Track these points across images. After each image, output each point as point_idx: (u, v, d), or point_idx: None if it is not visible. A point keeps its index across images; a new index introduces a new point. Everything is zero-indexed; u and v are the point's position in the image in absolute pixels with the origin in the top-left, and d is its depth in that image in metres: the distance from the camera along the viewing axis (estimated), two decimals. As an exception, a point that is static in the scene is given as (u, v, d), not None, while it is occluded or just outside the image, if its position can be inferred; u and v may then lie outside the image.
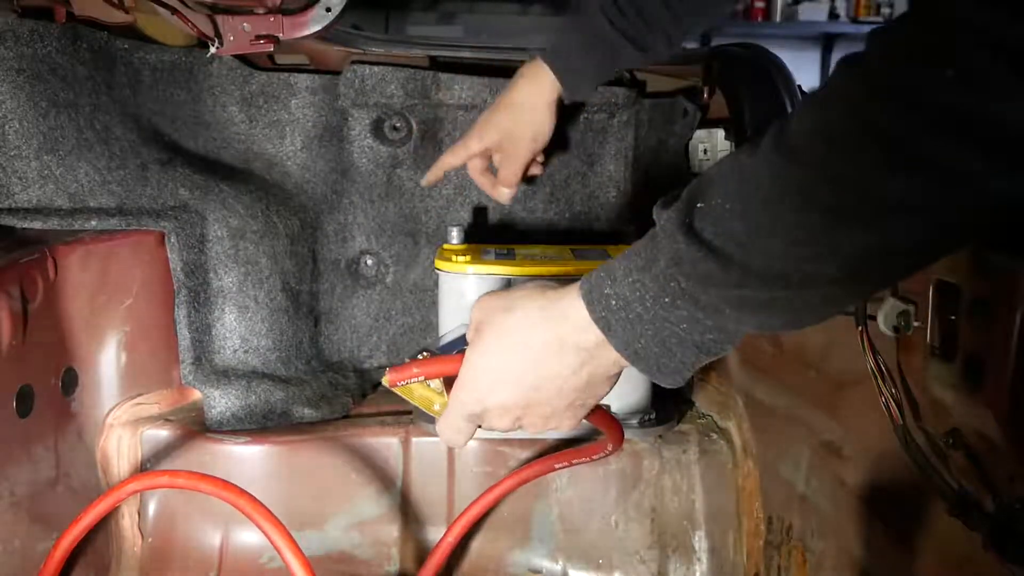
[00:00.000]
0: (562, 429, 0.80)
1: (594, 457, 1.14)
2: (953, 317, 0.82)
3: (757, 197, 0.59)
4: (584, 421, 0.82)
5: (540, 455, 1.35)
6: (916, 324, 0.88)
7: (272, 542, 1.03)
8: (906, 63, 0.51)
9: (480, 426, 0.82)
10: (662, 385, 0.71)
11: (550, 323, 0.73)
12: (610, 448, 1.07)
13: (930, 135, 0.51)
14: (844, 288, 0.61)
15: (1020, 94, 0.48)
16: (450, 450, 1.39)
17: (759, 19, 4.84)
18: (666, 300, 0.65)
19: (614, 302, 0.68)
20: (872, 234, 0.56)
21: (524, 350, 0.74)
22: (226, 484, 1.06)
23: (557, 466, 1.22)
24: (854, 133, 0.54)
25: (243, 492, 1.05)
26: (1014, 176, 0.52)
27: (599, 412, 0.86)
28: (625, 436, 1.34)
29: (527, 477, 1.27)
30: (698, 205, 0.62)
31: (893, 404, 0.89)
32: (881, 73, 0.53)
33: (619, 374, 0.75)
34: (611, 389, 0.77)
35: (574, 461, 1.19)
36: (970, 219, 0.56)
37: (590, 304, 0.70)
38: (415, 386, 0.85)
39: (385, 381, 0.83)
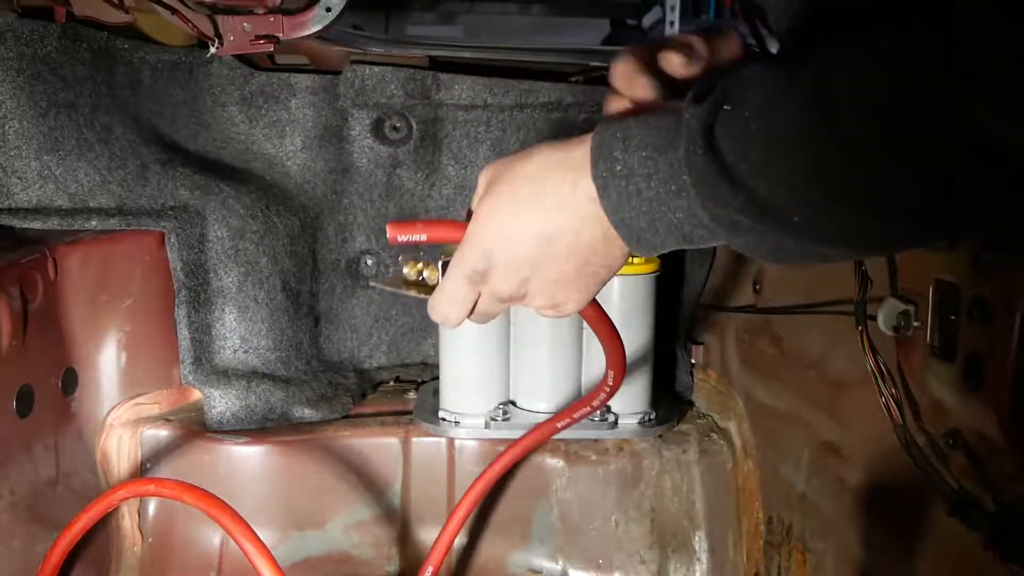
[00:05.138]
0: (568, 308, 0.74)
1: (595, 404, 1.08)
2: (953, 317, 0.82)
3: (783, 132, 0.57)
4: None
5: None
6: (916, 324, 0.88)
7: (251, 560, 1.00)
8: (953, 83, 0.49)
9: (474, 314, 0.75)
10: (633, 252, 0.69)
11: (566, 167, 0.69)
12: (611, 382, 0.96)
13: (964, 160, 0.51)
14: (835, 248, 0.62)
15: None
16: (450, 451, 1.39)
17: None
18: (672, 187, 0.63)
19: (619, 167, 0.65)
20: (879, 218, 0.56)
21: (536, 196, 0.69)
22: (209, 497, 1.04)
23: (560, 425, 1.18)
24: (892, 130, 0.53)
25: (225, 506, 1.03)
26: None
27: (600, 314, 0.81)
28: (625, 436, 1.36)
29: (537, 440, 1.24)
30: (725, 107, 0.59)
31: (893, 404, 0.89)
32: (929, 86, 0.50)
33: (627, 248, 0.70)
34: (623, 263, 0.72)
35: (576, 416, 1.14)
36: (971, 226, 0.57)
37: (595, 158, 0.67)
38: (410, 280, 0.78)
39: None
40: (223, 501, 1.04)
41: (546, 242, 0.70)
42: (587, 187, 0.67)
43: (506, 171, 0.72)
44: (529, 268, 0.72)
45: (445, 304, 0.76)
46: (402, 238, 0.76)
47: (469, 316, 0.77)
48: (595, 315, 0.83)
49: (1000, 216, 0.55)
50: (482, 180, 0.74)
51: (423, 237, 0.76)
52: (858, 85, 0.54)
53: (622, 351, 0.89)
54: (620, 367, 0.92)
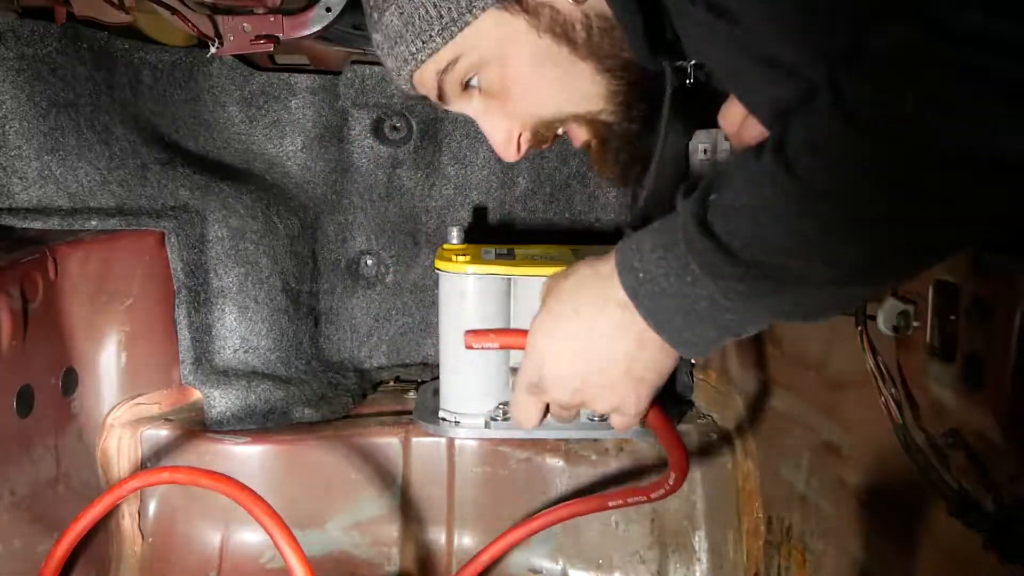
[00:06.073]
0: (627, 411, 0.79)
1: (652, 496, 1.10)
2: (953, 317, 0.82)
3: (760, 199, 0.63)
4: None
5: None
6: (916, 324, 0.88)
7: (271, 536, 1.03)
8: (899, 107, 0.54)
9: (548, 412, 0.83)
10: (686, 356, 0.74)
11: (597, 282, 0.75)
12: (672, 482, 1.01)
13: (916, 165, 0.55)
14: (841, 290, 0.65)
15: (1013, 128, 0.52)
16: (450, 450, 1.39)
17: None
18: (688, 279, 0.68)
19: (641, 275, 0.71)
20: (860, 246, 0.60)
21: (575, 312, 0.76)
22: (225, 479, 1.07)
23: (611, 504, 1.19)
24: (849, 167, 0.58)
25: (242, 486, 1.05)
26: (1001, 200, 0.56)
27: (664, 422, 0.86)
28: (625, 436, 1.36)
29: (576, 512, 1.24)
30: (711, 196, 0.66)
31: (893, 404, 0.89)
32: (874, 116, 0.56)
33: (674, 353, 0.75)
34: (671, 368, 0.77)
35: (630, 500, 1.15)
36: (956, 235, 0.60)
37: (621, 273, 0.73)
38: None
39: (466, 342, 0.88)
40: (240, 482, 1.06)
41: (589, 353, 0.76)
42: (616, 297, 0.74)
43: (553, 288, 0.80)
44: (578, 378, 0.78)
45: (516, 413, 0.85)
46: (477, 345, 0.89)
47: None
48: (660, 425, 0.88)
49: (984, 219, 0.58)
50: (541, 293, 0.83)
51: (495, 345, 0.88)
52: (807, 133, 0.60)
53: (685, 457, 0.95)
54: (682, 471, 0.98)
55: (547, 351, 0.78)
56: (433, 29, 0.87)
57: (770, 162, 0.62)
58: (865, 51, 0.56)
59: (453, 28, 0.87)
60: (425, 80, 0.92)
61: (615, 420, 0.82)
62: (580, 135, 0.94)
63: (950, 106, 0.52)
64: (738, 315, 0.69)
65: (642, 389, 0.78)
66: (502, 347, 0.87)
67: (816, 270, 0.63)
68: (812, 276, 0.63)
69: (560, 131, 0.95)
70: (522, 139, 0.94)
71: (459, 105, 0.94)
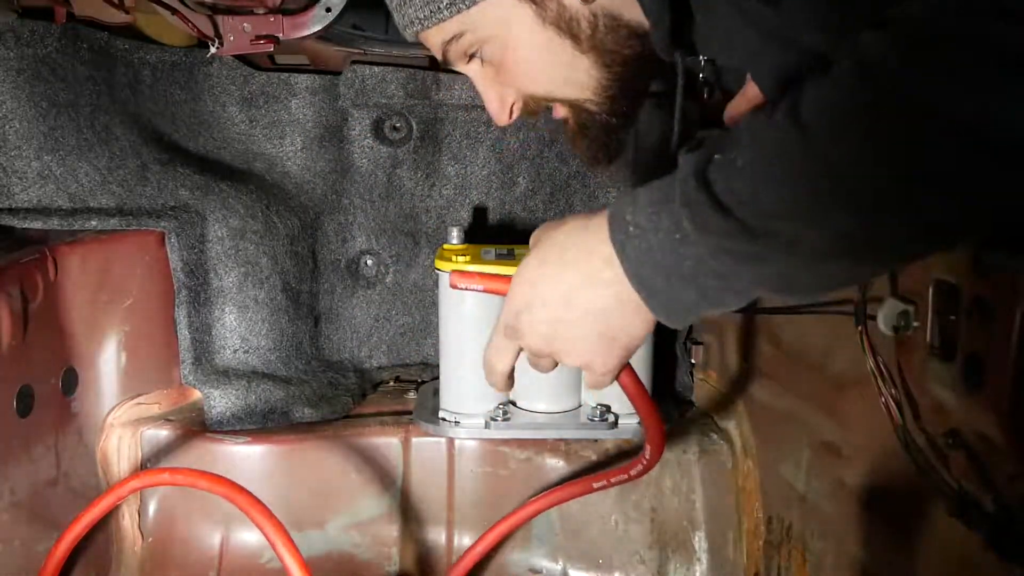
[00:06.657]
0: (596, 369, 0.79)
1: (632, 473, 1.11)
2: (953, 317, 0.82)
3: (763, 159, 0.63)
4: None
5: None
6: (916, 324, 0.88)
7: (268, 539, 1.03)
8: (912, 74, 0.55)
9: (524, 362, 0.83)
10: (664, 322, 0.73)
11: (585, 234, 0.75)
12: (648, 457, 1.02)
13: (931, 142, 0.55)
14: (831, 263, 0.64)
15: (1020, 101, 0.52)
16: (450, 450, 1.39)
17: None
18: (677, 236, 0.68)
19: (631, 228, 0.71)
20: (857, 221, 0.60)
21: (560, 261, 0.76)
22: (225, 481, 1.07)
23: (595, 485, 1.20)
24: (856, 131, 0.58)
25: (241, 489, 1.05)
26: (1004, 181, 0.55)
27: (637, 387, 0.85)
28: (625, 437, 1.36)
29: (563, 497, 1.25)
30: (715, 156, 0.66)
31: (893, 404, 0.88)
32: (888, 82, 0.56)
33: (650, 318, 0.75)
34: (645, 334, 0.77)
35: (612, 480, 1.16)
36: (957, 220, 0.59)
37: (611, 225, 0.73)
38: None
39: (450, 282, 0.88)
40: (239, 485, 1.06)
41: (566, 304, 0.76)
42: (602, 252, 0.73)
43: (544, 236, 0.80)
44: (552, 327, 0.78)
45: (490, 354, 0.84)
46: (461, 285, 0.87)
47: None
48: (633, 389, 0.87)
49: (984, 204, 0.58)
50: (531, 241, 0.82)
51: (480, 288, 0.86)
52: (825, 100, 0.60)
53: (660, 427, 0.94)
54: (657, 443, 0.97)
55: (527, 295, 0.78)
56: (442, 2, 0.90)
57: (782, 119, 0.62)
58: (886, 22, 0.57)
59: (461, 5, 0.90)
60: (430, 43, 0.96)
61: (587, 378, 0.82)
62: (561, 111, 1.00)
63: (961, 78, 0.53)
64: (722, 281, 0.68)
65: (614, 349, 0.78)
66: (486, 290, 0.86)
67: (808, 236, 0.62)
68: (803, 243, 0.62)
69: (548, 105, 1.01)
70: (514, 107, 0.99)
71: (460, 68, 0.98)
